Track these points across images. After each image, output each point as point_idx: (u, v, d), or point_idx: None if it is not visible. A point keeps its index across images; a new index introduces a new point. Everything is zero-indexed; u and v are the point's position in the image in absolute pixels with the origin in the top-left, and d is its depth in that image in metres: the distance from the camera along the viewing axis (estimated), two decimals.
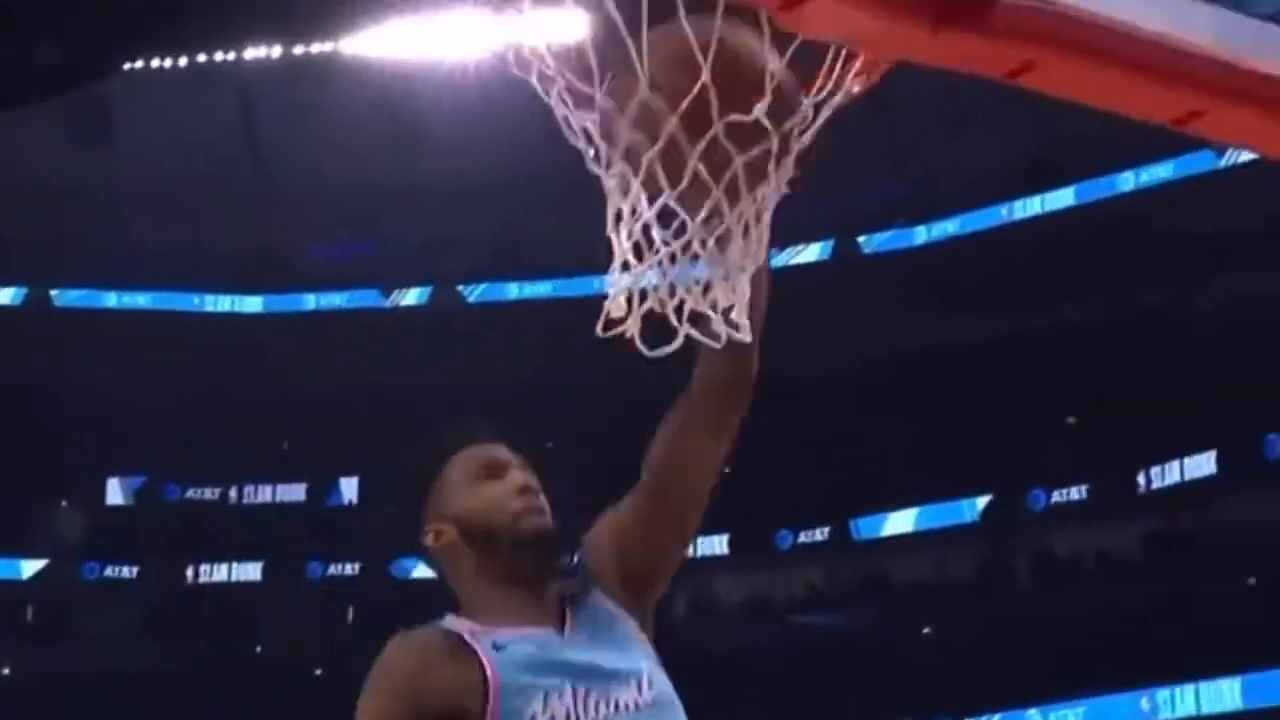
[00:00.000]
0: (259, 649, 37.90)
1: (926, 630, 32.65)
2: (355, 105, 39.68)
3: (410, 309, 41.11)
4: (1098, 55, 3.22)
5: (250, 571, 38.40)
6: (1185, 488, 30.33)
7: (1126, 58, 3.22)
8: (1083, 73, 3.27)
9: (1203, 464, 29.99)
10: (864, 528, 35.07)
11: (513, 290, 41.16)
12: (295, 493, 39.89)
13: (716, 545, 36.91)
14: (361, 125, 40.06)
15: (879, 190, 38.98)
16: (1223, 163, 30.97)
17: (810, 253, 37.94)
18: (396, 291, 41.15)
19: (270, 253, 41.32)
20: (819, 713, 31.89)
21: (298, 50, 40.79)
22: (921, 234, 36.94)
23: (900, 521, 34.53)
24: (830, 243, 37.85)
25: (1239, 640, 26.78)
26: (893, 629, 32.93)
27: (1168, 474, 30.59)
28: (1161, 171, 32.75)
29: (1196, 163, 31.76)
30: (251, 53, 40.85)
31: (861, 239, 37.79)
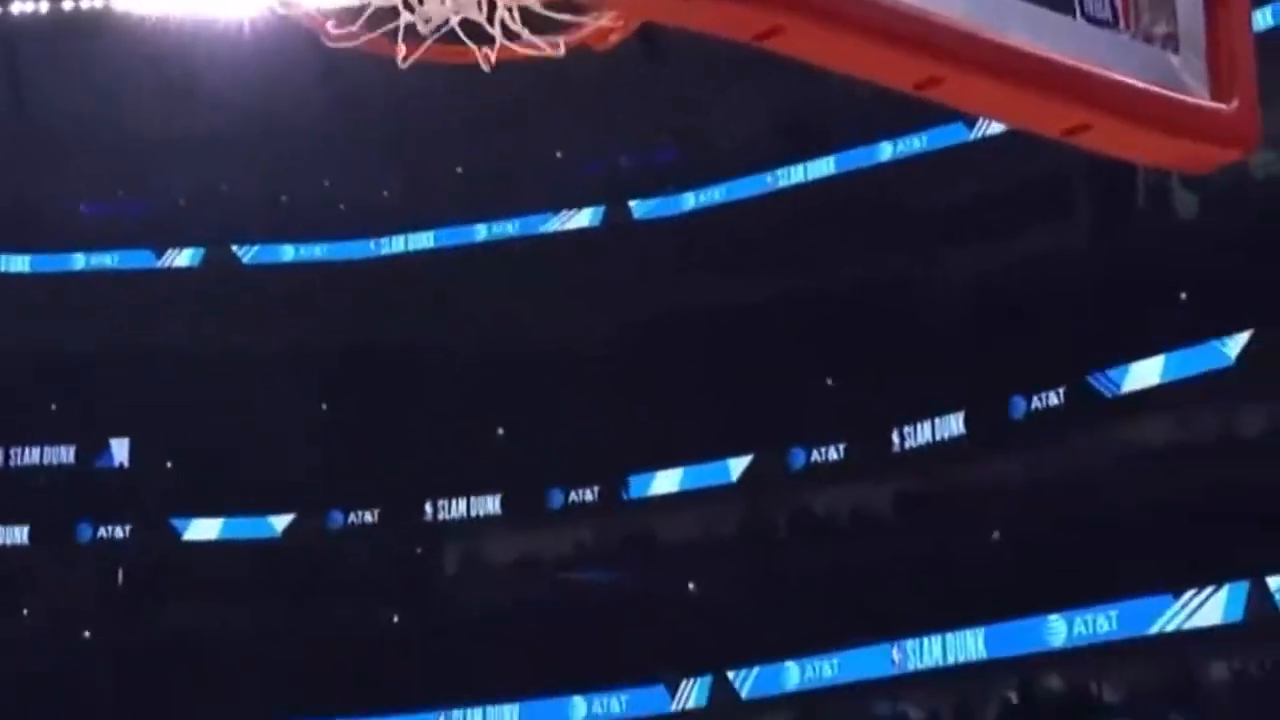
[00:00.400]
0: (26, 612, 37.54)
1: (691, 586, 33.53)
2: (126, 60, 39.26)
3: (183, 270, 40.85)
4: (842, 20, 3.47)
5: (17, 534, 37.94)
6: (936, 447, 31.55)
7: (870, 23, 3.48)
8: (828, 37, 3.52)
9: (952, 424, 31.26)
10: (632, 487, 35.87)
11: (288, 252, 41.10)
12: (64, 454, 39.50)
13: (489, 504, 37.48)
14: (132, 81, 39.65)
15: (649, 156, 39.77)
16: (973, 135, 32.25)
17: (582, 218, 38.60)
18: (170, 251, 40.85)
19: (38, 211, 40.74)
20: (587, 667, 32.63)
21: (66, 5, 40.27)
22: (690, 200, 37.77)
23: (666, 481, 35.38)
24: (601, 208, 38.54)
25: (983, 593, 28.05)
26: (658, 585, 33.78)
27: (920, 434, 31.80)
28: (916, 143, 33.96)
29: (949, 135, 33.01)
30: (18, 6, 40.23)
31: (632, 204, 38.50)
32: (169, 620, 36.24)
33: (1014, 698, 26.55)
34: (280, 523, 38.37)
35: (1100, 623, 25.89)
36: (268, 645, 35.40)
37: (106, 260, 40.62)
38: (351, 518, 38.37)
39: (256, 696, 34.53)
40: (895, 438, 32.24)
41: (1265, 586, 23.75)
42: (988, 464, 30.79)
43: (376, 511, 38.27)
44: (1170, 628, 24.95)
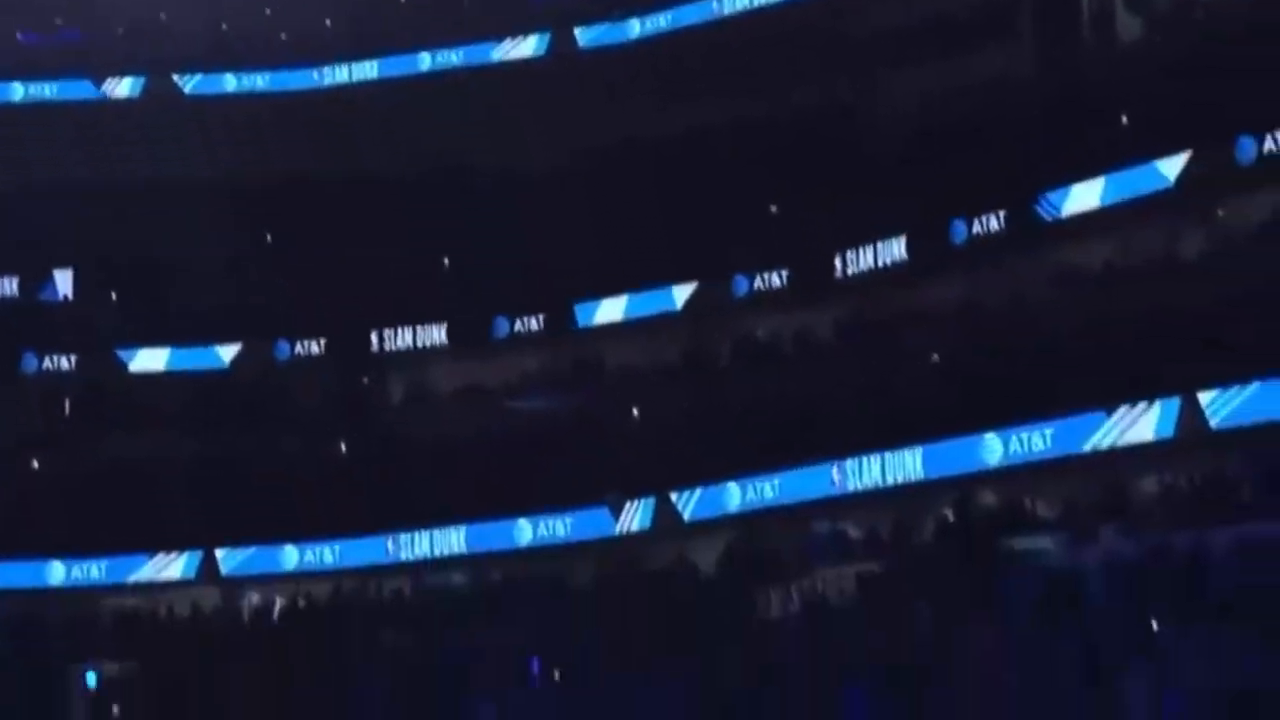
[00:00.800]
0: None
1: (635, 412, 33.75)
2: None
3: (124, 100, 40.45)
4: None
5: None
6: (877, 273, 31.67)
7: None
8: None
9: (893, 249, 31.35)
10: (577, 315, 35.99)
11: (230, 82, 40.71)
12: (7, 286, 39.31)
13: (435, 335, 37.59)
14: None
15: None
16: None
17: (527, 46, 38.29)
18: (110, 81, 40.39)
19: None
20: (532, 492, 32.96)
21: None
22: (635, 27, 37.49)
23: (611, 309, 35.51)
24: (547, 36, 38.22)
25: (922, 414, 28.31)
26: (603, 411, 34.02)
27: (861, 259, 31.90)
28: None
29: None
30: None
31: (578, 32, 38.18)
32: (116, 450, 36.36)
33: (950, 515, 26.87)
34: (227, 353, 38.45)
35: (1035, 441, 26.16)
36: (215, 474, 35.61)
37: (46, 90, 40.18)
38: (298, 349, 38.47)
39: (204, 525, 34.83)
40: (837, 263, 32.36)
41: (1197, 403, 24.01)
42: (929, 288, 30.91)
43: (322, 342, 38.37)
44: (1104, 444, 25.25)
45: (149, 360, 38.12)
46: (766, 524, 29.57)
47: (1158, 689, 18.37)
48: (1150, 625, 20.23)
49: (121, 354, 37.87)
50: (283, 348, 38.41)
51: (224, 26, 41.15)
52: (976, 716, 19.76)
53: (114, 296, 38.82)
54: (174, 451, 36.35)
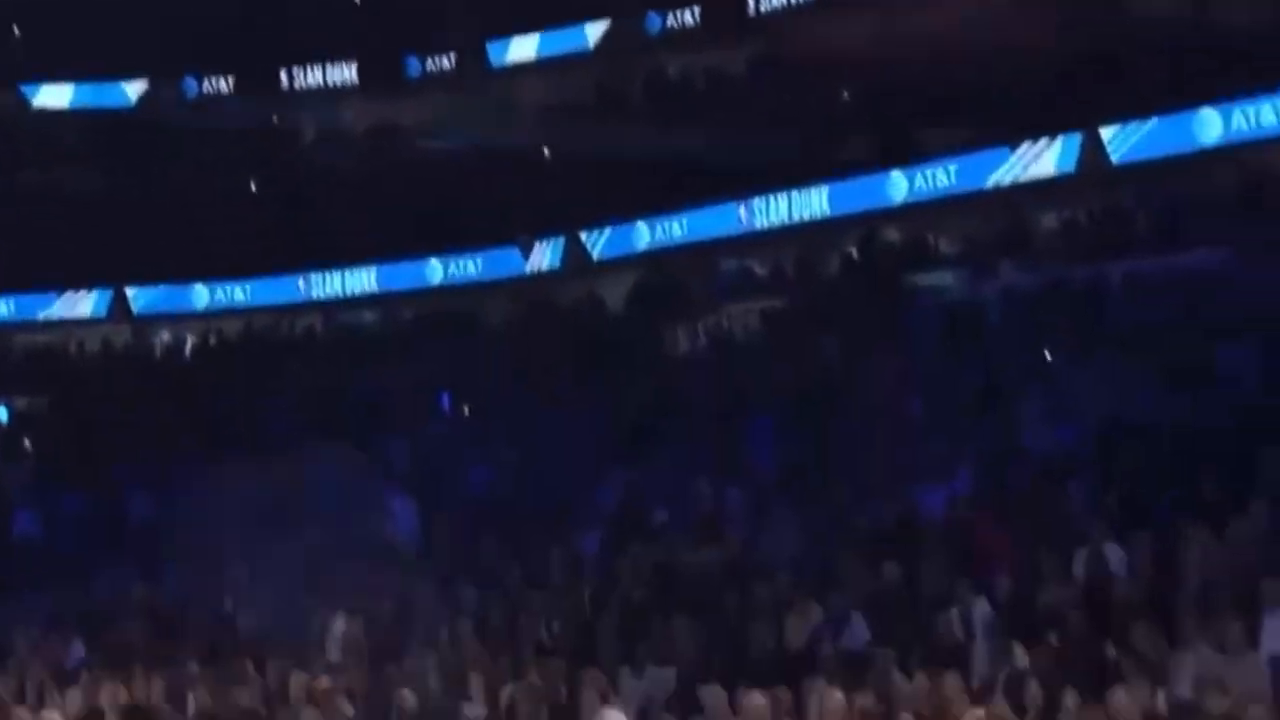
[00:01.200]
0: None
1: (545, 151, 33.66)
2: None
3: None
4: None
5: None
6: (790, 11, 31.48)
7: None
8: None
9: None
10: (489, 54, 35.64)
11: None
12: None
13: (346, 73, 37.21)
14: None
15: None
16: None
17: None
18: None
19: None
20: (444, 232, 32.96)
21: None
22: None
23: (523, 47, 35.18)
24: None
25: (829, 152, 28.40)
26: (513, 151, 33.90)
27: None
28: None
29: None
30: None
31: None
32: (22, 185, 35.98)
33: (855, 252, 27.16)
34: (133, 90, 37.91)
35: (939, 177, 26.40)
36: (124, 212, 35.35)
37: None
38: (206, 86, 37.99)
39: (113, 262, 34.66)
40: (750, 0, 32.12)
41: (1098, 138, 24.23)
42: (841, 24, 30.72)
43: (231, 80, 37.90)
44: (1006, 180, 25.51)
45: (53, 96, 37.57)
46: (674, 261, 29.77)
47: (1053, 417, 18.80)
48: (1045, 356, 20.66)
49: (24, 89, 37.30)
50: (190, 85, 37.91)
51: None
52: (880, 444, 20.21)
53: (16, 31, 38.04)
54: (82, 188, 36.04)
